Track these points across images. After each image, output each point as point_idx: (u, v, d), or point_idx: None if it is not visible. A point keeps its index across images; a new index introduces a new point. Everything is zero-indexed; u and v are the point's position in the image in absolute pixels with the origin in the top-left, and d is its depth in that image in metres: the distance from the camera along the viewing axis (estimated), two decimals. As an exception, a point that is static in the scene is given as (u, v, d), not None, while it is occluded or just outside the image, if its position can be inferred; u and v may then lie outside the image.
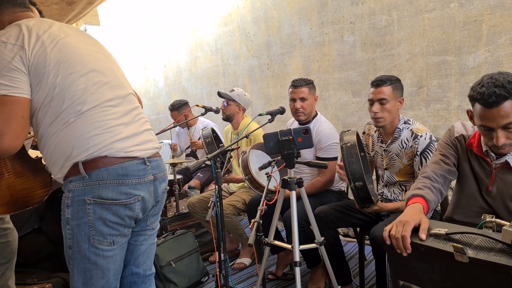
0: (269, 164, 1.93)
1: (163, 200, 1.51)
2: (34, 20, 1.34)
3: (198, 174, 3.87)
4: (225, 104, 3.17)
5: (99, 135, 1.28)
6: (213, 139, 2.64)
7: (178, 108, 3.99)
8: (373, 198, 1.92)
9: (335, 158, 2.51)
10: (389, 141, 2.12)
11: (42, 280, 2.12)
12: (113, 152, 1.28)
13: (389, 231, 1.32)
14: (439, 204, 2.04)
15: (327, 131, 2.51)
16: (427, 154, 1.96)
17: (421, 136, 1.99)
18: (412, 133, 2.03)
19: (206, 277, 2.86)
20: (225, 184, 3.27)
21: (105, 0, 3.56)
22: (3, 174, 1.42)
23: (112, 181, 1.29)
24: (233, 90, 3.19)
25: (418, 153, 1.99)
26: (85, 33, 1.52)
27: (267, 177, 1.93)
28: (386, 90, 2.02)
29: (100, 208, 1.29)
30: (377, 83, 2.04)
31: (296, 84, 2.55)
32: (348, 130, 2.01)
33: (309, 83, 2.57)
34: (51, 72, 1.26)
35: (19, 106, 1.23)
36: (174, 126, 3.40)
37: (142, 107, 1.65)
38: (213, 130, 2.81)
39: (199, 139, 3.85)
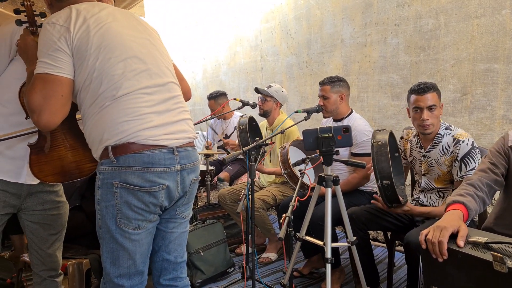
0: (302, 161, 1.95)
1: (193, 190, 1.50)
2: (86, 4, 1.38)
3: (228, 166, 3.92)
4: (263, 100, 3.19)
5: (129, 121, 1.29)
6: (247, 128, 2.66)
7: (216, 97, 4.02)
8: (401, 198, 1.90)
9: (370, 154, 2.50)
10: (428, 147, 2.08)
11: (80, 255, 2.22)
12: (141, 140, 1.29)
13: (426, 235, 1.31)
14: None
15: (362, 127, 2.51)
16: (468, 160, 1.92)
17: (462, 142, 1.95)
18: (454, 138, 1.98)
19: (232, 268, 2.90)
20: (256, 178, 3.30)
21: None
22: (56, 146, 1.50)
23: (138, 168, 1.30)
24: (270, 86, 3.20)
25: (459, 158, 1.94)
26: (137, 18, 1.50)
27: (300, 173, 1.95)
28: (433, 96, 1.99)
29: (127, 192, 1.31)
30: (423, 89, 1.99)
31: (320, 82, 2.63)
32: (383, 129, 2.00)
33: (333, 81, 2.58)
34: (92, 55, 1.30)
35: (59, 85, 1.29)
36: (211, 118, 3.46)
37: (190, 95, 1.66)
38: (252, 119, 2.82)
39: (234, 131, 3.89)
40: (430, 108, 1.99)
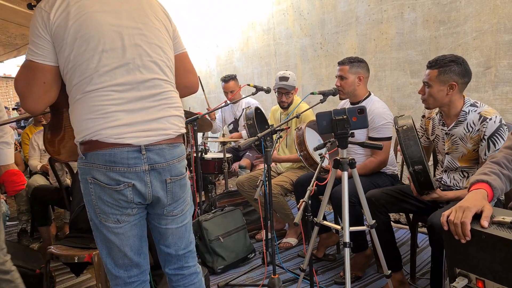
0: (324, 145, 1.89)
1: (174, 189, 1.40)
2: None
3: (248, 153, 3.90)
4: (287, 95, 3.03)
5: (93, 119, 1.26)
6: (255, 121, 2.60)
7: (234, 79, 3.95)
8: (432, 184, 1.83)
9: (389, 138, 2.42)
10: (452, 125, 2.00)
11: (102, 245, 2.25)
12: (103, 138, 1.26)
13: (448, 216, 1.26)
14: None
15: (380, 110, 2.42)
16: (496, 139, 1.82)
17: (490, 119, 1.84)
18: (480, 116, 1.88)
19: (253, 254, 2.91)
20: (274, 164, 3.27)
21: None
22: (69, 126, 1.49)
23: (102, 166, 1.28)
24: (286, 78, 3.02)
25: (486, 137, 1.84)
26: (133, 1, 1.37)
27: (321, 157, 1.90)
28: (431, 73, 1.94)
29: (99, 188, 1.30)
30: (428, 64, 1.97)
31: (339, 62, 2.55)
32: (402, 115, 1.93)
33: (352, 61, 2.48)
34: (67, 46, 1.26)
35: (41, 72, 1.29)
36: (227, 105, 3.44)
37: (194, 89, 1.57)
38: (257, 108, 2.76)
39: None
40: (425, 84, 1.98)
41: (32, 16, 1.29)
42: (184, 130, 1.43)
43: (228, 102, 3.69)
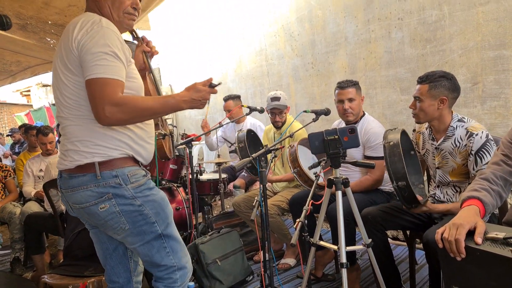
0: (318, 163, 1.91)
1: (82, 216, 1.52)
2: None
3: (243, 173, 3.91)
4: (280, 114, 3.06)
5: None
6: (246, 144, 2.63)
7: (234, 98, 3.99)
8: (420, 198, 1.85)
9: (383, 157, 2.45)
10: (441, 140, 2.03)
11: (99, 272, 2.22)
12: None
13: (442, 234, 1.27)
14: (497, 208, 1.92)
15: (376, 129, 2.45)
16: (483, 154, 1.85)
17: (476, 135, 1.88)
18: (467, 131, 1.92)
19: (251, 276, 2.88)
20: (270, 184, 3.27)
21: (157, 6, 3.69)
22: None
23: None
24: (278, 98, 3.05)
25: (473, 152, 1.87)
26: (65, 40, 1.43)
27: (316, 176, 1.91)
28: (422, 88, 1.98)
29: None
30: (418, 80, 2.02)
31: (343, 86, 2.53)
32: (394, 128, 1.95)
33: (355, 84, 2.53)
34: None
35: None
36: (221, 126, 3.46)
37: (97, 118, 1.37)
38: (249, 131, 2.78)
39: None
40: (416, 98, 2.02)
41: None
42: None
43: (223, 123, 3.71)
